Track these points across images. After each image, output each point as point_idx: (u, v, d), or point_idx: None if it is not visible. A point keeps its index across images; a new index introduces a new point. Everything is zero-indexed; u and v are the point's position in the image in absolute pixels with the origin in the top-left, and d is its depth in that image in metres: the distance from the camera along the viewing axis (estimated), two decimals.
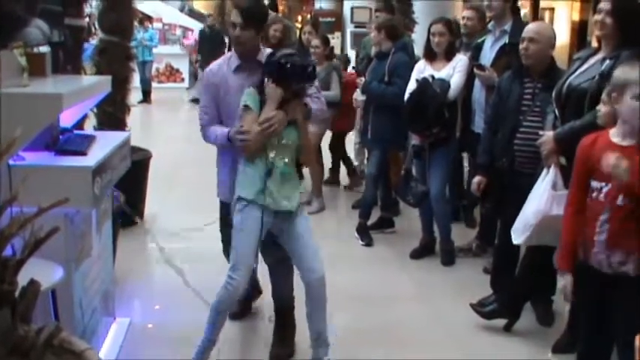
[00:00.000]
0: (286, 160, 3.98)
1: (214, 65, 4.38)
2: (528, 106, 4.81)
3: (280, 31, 7.75)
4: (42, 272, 2.87)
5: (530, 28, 4.88)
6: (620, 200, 3.25)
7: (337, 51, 18.45)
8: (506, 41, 5.78)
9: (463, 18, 6.91)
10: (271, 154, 3.94)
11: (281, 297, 4.50)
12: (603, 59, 4.11)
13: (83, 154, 3.63)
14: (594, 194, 3.35)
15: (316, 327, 4.13)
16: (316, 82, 4.32)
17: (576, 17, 15.29)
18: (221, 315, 4.01)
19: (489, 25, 6.07)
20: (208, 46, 16.81)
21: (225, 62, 4.34)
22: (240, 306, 4.67)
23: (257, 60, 4.21)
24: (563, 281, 3.55)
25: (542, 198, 4.30)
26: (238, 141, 3.96)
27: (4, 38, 3.47)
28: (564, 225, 3.56)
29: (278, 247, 4.16)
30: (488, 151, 5.11)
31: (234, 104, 4.12)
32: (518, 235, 4.48)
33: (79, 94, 3.76)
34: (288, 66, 3.89)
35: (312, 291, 4.06)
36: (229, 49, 16.73)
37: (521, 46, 4.83)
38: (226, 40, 17.55)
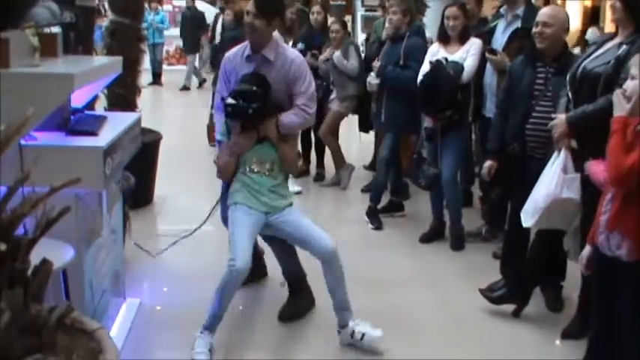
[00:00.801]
0: (266, 171, 4.41)
1: (231, 52, 4.61)
2: (540, 91, 4.79)
3: (290, 13, 7.73)
4: (53, 252, 2.87)
5: (545, 12, 4.85)
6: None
7: None
8: (519, 26, 5.75)
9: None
10: (249, 169, 4.39)
11: (288, 268, 4.81)
12: (620, 44, 4.08)
13: (94, 134, 3.63)
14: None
15: (339, 298, 4.38)
16: (311, 90, 4.52)
17: (588, 3, 15.23)
18: (225, 297, 4.15)
19: (502, 10, 6.03)
20: (189, 28, 16.74)
21: (241, 50, 4.54)
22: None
23: (262, 54, 4.43)
24: (584, 252, 3.62)
25: (553, 181, 4.28)
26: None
27: (12, 18, 3.46)
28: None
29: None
30: (500, 136, 5.10)
31: None
32: (528, 217, 4.47)
33: (90, 75, 3.75)
34: (229, 109, 4.26)
35: (329, 266, 4.31)
36: (212, 33, 16.69)
37: (535, 30, 4.79)
38: (209, 22, 17.36)
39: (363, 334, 4.30)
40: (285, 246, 4.65)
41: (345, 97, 7.90)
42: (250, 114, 4.23)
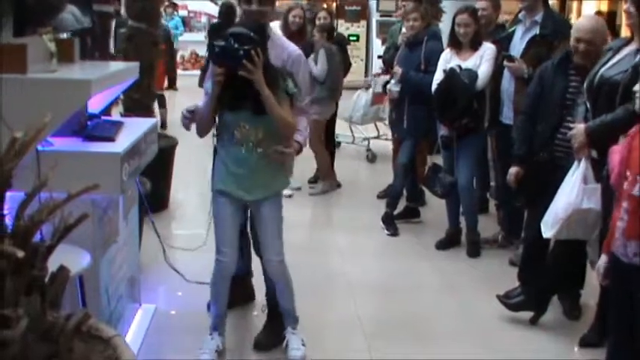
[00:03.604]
0: (252, 144, 3.87)
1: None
2: (573, 101, 4.68)
3: (299, 17, 7.69)
4: (69, 258, 2.87)
5: (585, 28, 4.64)
6: (636, 189, 3.21)
7: (362, 40, 18.40)
8: (537, 32, 5.69)
9: (478, 9, 6.78)
10: (233, 138, 3.88)
11: (271, 294, 4.51)
12: (637, 51, 4.04)
13: (111, 140, 3.63)
14: (625, 184, 3.32)
15: (281, 302, 4.33)
16: (306, 86, 4.30)
17: (605, 8, 15.12)
18: (219, 291, 4.21)
19: (520, 16, 5.97)
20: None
21: None
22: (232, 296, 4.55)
23: None
24: (600, 260, 3.57)
25: (573, 191, 4.25)
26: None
27: (39, 24, 3.48)
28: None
29: None
30: (527, 142, 5.00)
31: None
32: (548, 228, 4.44)
33: (107, 80, 3.75)
34: (217, 50, 3.69)
35: (272, 277, 4.27)
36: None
37: (575, 45, 4.64)
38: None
39: (287, 345, 4.31)
40: None
41: (312, 100, 7.79)
42: (241, 55, 3.59)
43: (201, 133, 4.02)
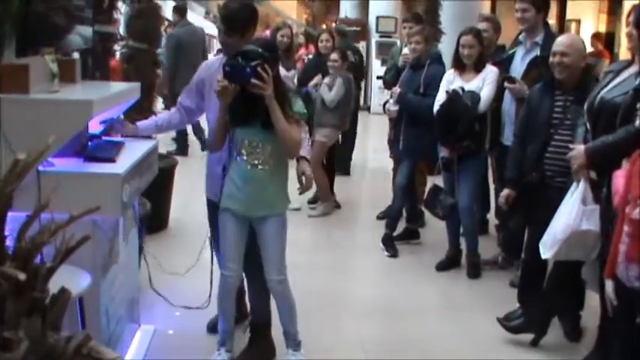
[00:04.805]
0: (259, 161, 3.91)
1: (210, 60, 4.60)
2: (560, 120, 4.76)
3: (287, 37, 7.76)
4: (70, 279, 2.87)
5: (561, 42, 4.84)
6: (636, 213, 3.21)
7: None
8: (538, 53, 5.71)
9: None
10: (239, 154, 3.91)
11: (256, 309, 4.51)
12: (638, 73, 4.05)
13: (112, 161, 3.62)
14: (627, 207, 3.32)
15: (283, 324, 4.26)
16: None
17: (603, 29, 15.18)
18: (225, 306, 4.23)
19: (520, 37, 6.00)
20: None
21: (219, 59, 4.40)
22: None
23: None
24: (607, 287, 3.55)
25: (572, 213, 4.24)
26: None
27: (45, 44, 3.50)
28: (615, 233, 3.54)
29: (258, 265, 4.17)
30: (518, 165, 5.05)
31: (215, 100, 4.06)
32: (547, 249, 4.43)
33: (108, 101, 3.76)
34: (227, 69, 3.73)
35: (274, 297, 4.24)
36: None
37: (552, 60, 4.78)
38: None
39: None
40: (261, 285, 4.25)
41: (320, 124, 7.89)
42: (248, 73, 3.64)
43: (214, 148, 4.13)
